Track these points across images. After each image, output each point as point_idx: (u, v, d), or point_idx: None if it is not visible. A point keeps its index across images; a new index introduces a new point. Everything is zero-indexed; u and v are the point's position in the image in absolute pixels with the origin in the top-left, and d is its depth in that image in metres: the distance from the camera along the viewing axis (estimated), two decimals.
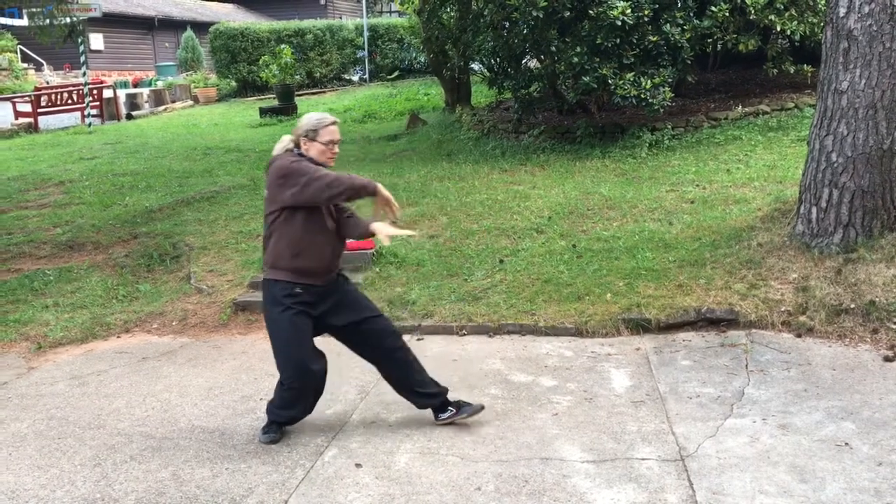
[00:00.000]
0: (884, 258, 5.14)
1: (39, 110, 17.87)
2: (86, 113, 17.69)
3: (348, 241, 4.04)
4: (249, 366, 5.00)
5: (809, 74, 9.97)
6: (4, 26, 26.56)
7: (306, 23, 23.71)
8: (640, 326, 5.13)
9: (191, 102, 22.43)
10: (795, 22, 9.46)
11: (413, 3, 14.39)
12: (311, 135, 3.73)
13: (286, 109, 17.73)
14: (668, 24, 9.22)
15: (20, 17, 23.97)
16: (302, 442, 3.88)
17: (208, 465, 3.69)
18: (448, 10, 12.76)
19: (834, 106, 5.37)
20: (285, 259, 3.72)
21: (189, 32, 28.74)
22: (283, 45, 19.64)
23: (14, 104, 18.51)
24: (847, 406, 3.94)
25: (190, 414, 4.31)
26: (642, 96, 9.12)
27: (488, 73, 12.02)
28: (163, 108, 21.22)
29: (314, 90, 22.43)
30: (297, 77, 20.99)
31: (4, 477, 3.67)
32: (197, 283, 6.51)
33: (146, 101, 21.69)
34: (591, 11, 9.12)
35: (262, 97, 21.55)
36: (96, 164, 11.95)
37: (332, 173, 3.66)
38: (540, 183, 8.41)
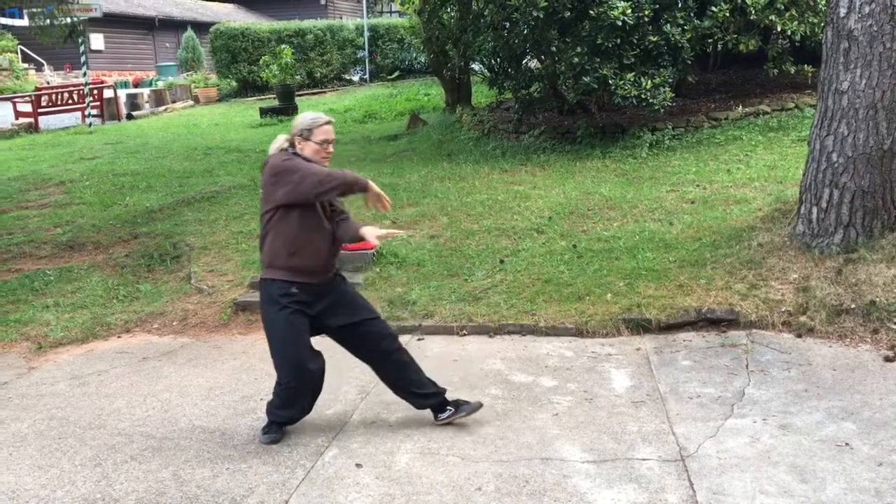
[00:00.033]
0: (884, 258, 5.14)
1: (40, 110, 17.88)
2: (86, 113, 17.70)
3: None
4: (250, 366, 5.00)
5: (810, 75, 9.97)
6: (5, 26, 26.58)
7: (307, 23, 23.72)
8: (641, 326, 5.13)
9: (191, 102, 22.43)
10: (796, 22, 9.47)
11: (413, 3, 14.39)
12: (306, 134, 3.75)
13: (286, 109, 17.74)
14: (668, 25, 9.22)
15: (21, 17, 23.99)
16: (302, 442, 3.88)
17: (209, 465, 3.69)
18: (448, 10, 12.76)
19: (834, 106, 5.37)
20: (281, 258, 3.72)
21: (189, 32, 28.74)
22: (283, 46, 19.64)
23: (14, 104, 18.53)
24: (847, 406, 3.94)
25: (190, 414, 4.31)
26: (643, 96, 9.12)
27: (489, 74, 12.02)
28: (163, 108, 21.23)
29: (315, 90, 22.44)
30: (298, 77, 21.00)
31: (5, 477, 3.67)
32: (197, 283, 6.51)
33: (147, 102, 21.70)
34: (591, 12, 9.13)
35: (263, 97, 21.55)
36: (97, 164, 11.96)
37: (324, 169, 3.68)
38: (540, 183, 8.41)
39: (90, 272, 7.06)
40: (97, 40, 29.04)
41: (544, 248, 6.42)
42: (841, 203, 5.37)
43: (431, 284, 5.93)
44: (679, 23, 9.25)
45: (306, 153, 3.74)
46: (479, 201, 7.84)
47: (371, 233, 3.78)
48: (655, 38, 9.19)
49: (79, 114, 18.36)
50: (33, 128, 17.45)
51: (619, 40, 9.14)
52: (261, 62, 19.74)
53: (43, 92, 18.63)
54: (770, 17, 9.37)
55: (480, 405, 3.99)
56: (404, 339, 5.07)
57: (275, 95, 19.49)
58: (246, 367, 4.98)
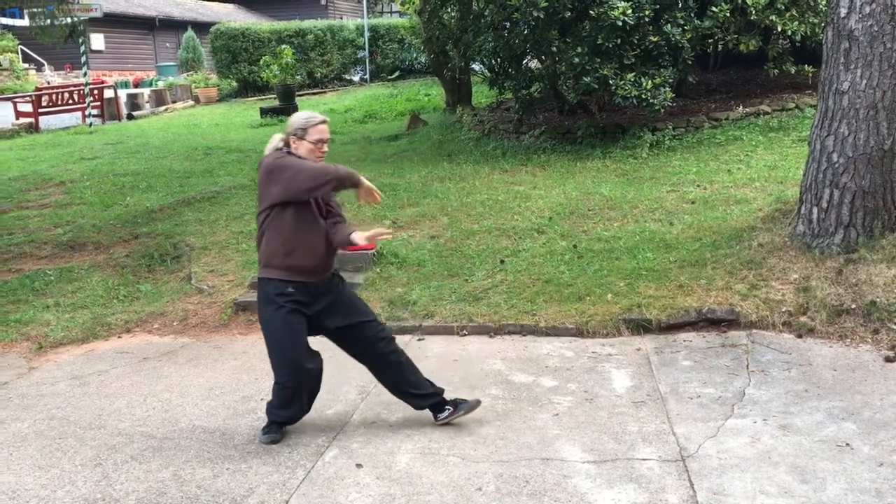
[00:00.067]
0: (885, 258, 5.14)
1: (40, 110, 17.88)
2: (87, 113, 17.70)
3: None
4: (250, 366, 5.00)
5: (810, 75, 9.97)
6: (5, 26, 26.59)
7: (307, 23, 23.73)
8: (641, 327, 5.13)
9: (192, 102, 22.44)
10: (796, 22, 9.47)
11: (414, 3, 14.40)
12: (301, 133, 3.76)
13: (287, 110, 17.72)
14: (668, 25, 9.22)
15: (21, 17, 24.00)
16: (303, 442, 3.88)
17: (209, 466, 3.69)
18: (449, 10, 12.76)
19: (835, 106, 5.37)
20: (278, 257, 3.73)
21: (190, 33, 28.75)
22: (283, 46, 19.65)
23: (15, 104, 18.53)
24: (848, 406, 3.94)
25: (191, 414, 4.31)
26: (643, 97, 9.12)
27: (489, 74, 12.02)
28: (164, 108, 21.23)
29: (315, 90, 22.45)
30: (298, 77, 21.01)
31: (5, 477, 3.67)
32: (198, 284, 6.51)
33: (147, 102, 21.71)
34: (591, 12, 9.13)
35: (263, 97, 21.56)
36: (97, 164, 11.96)
37: (317, 164, 3.69)
38: (541, 183, 8.41)
39: (90, 272, 7.06)
40: (97, 40, 29.06)
41: (545, 249, 6.42)
42: (841, 203, 5.37)
43: (432, 284, 5.93)
44: (679, 23, 9.25)
45: (301, 152, 3.75)
46: (479, 201, 7.84)
47: (360, 237, 3.78)
48: (656, 39, 9.19)
49: (79, 114, 18.36)
50: (34, 128, 17.45)
51: (619, 40, 9.14)
52: (261, 62, 19.75)
53: (43, 92, 18.63)
54: (770, 18, 9.37)
55: (478, 402, 4.00)
56: (405, 340, 5.08)
57: (275, 95, 19.50)
58: (246, 367, 4.98)
